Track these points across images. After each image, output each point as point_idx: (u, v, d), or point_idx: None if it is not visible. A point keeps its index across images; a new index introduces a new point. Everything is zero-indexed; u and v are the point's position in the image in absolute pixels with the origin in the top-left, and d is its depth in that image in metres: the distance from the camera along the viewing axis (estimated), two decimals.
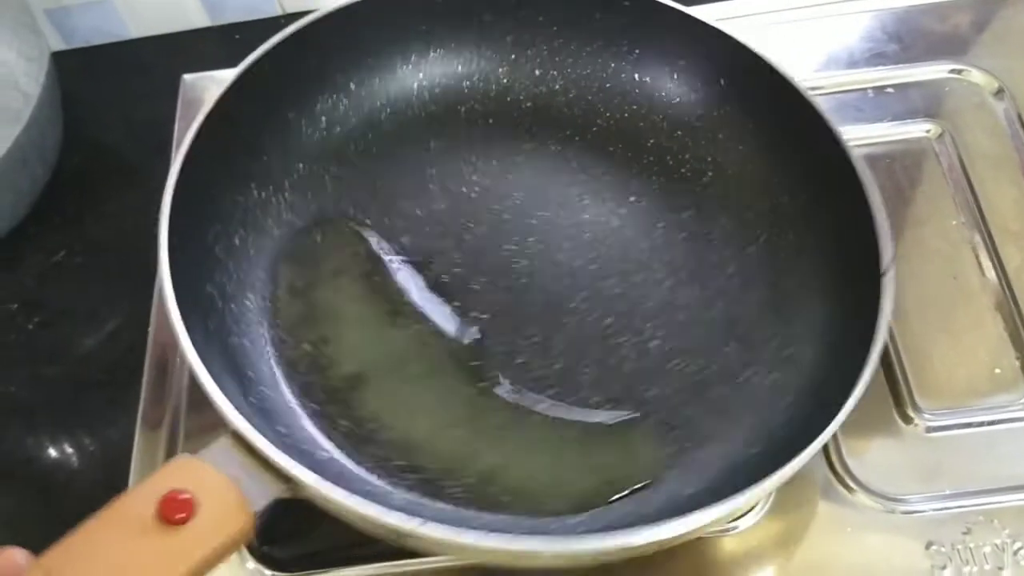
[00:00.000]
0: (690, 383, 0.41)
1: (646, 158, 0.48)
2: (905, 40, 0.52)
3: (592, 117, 0.49)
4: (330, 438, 0.39)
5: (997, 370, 0.42)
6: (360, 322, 0.42)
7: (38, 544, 0.43)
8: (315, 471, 0.32)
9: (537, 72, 0.50)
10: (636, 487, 0.38)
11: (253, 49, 0.58)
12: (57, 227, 0.52)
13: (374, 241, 0.45)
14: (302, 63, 0.45)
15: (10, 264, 0.51)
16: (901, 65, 0.51)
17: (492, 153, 0.48)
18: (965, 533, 0.38)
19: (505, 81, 0.50)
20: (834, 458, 0.40)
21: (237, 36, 0.60)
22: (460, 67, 0.49)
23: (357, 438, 0.39)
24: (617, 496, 0.37)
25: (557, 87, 0.50)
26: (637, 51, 0.48)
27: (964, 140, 0.48)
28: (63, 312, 0.50)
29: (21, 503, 0.45)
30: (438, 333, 0.42)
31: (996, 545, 0.38)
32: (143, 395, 0.44)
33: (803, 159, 0.44)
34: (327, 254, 0.44)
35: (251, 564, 0.39)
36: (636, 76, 0.49)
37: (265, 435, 0.32)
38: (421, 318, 0.42)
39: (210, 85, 0.54)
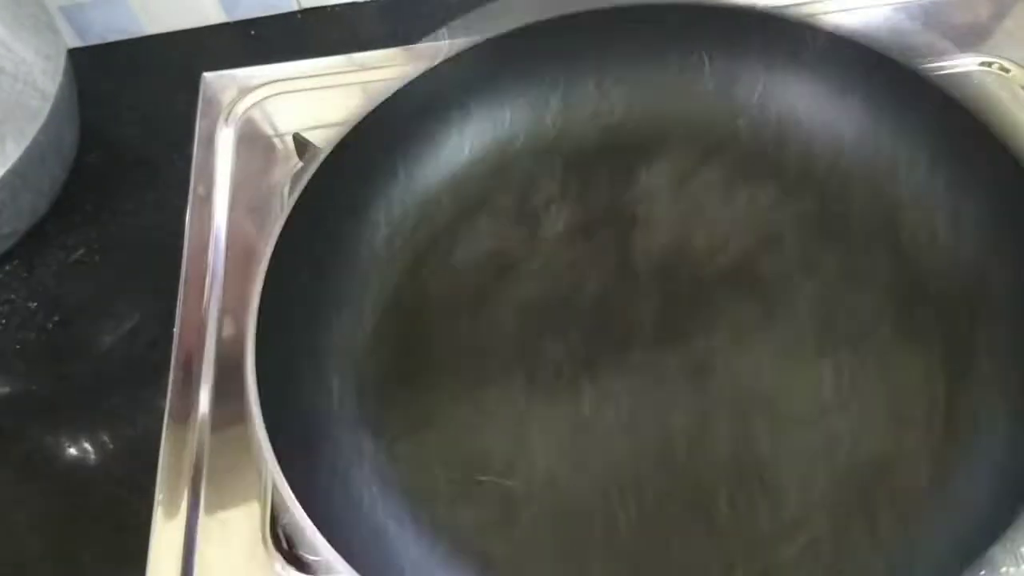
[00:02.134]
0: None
1: (744, 164, 0.44)
2: (934, 33, 0.51)
3: (667, 138, 0.45)
4: None
5: None
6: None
7: (60, 542, 0.43)
8: None
9: (596, 103, 0.46)
10: None
11: (268, 45, 0.59)
12: (75, 225, 0.52)
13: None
14: (347, 168, 0.42)
15: (29, 262, 0.51)
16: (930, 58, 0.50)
17: (568, 205, 0.44)
18: None
19: (561, 124, 0.46)
20: None
21: (252, 32, 0.60)
22: (508, 124, 0.46)
23: None
24: None
25: (620, 116, 0.46)
26: (697, 51, 0.45)
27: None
28: (82, 310, 0.49)
29: (44, 502, 0.44)
30: None
31: None
32: (170, 392, 0.44)
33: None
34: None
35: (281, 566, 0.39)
36: (706, 79, 0.45)
37: None
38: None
39: (229, 83, 0.54)
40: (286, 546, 0.39)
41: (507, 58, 0.45)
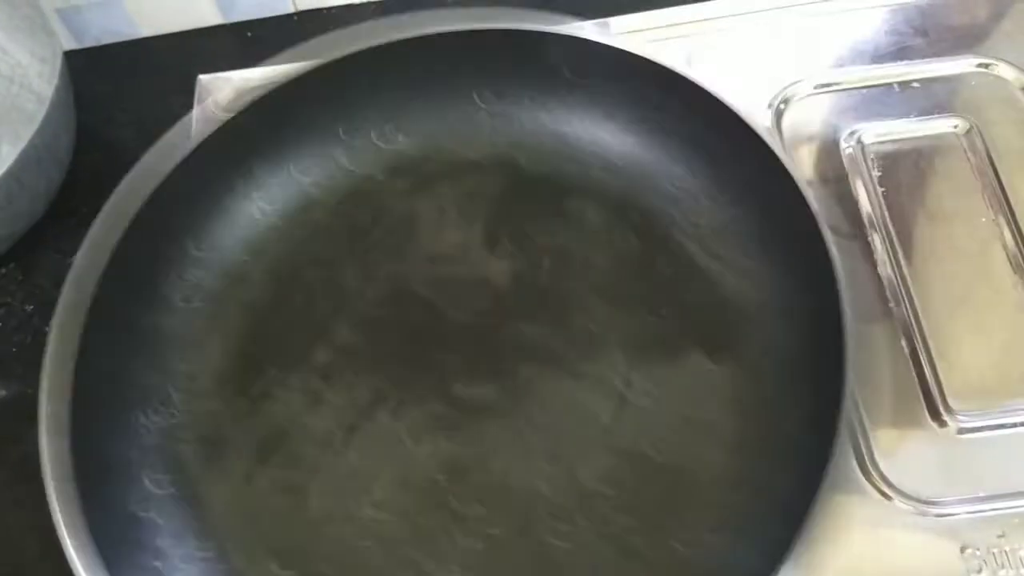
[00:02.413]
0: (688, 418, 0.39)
1: (531, 185, 0.45)
2: (931, 34, 0.51)
3: (459, 165, 0.46)
4: None
5: None
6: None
7: (58, 545, 0.43)
8: None
9: (382, 144, 0.46)
10: None
11: (266, 47, 0.58)
12: (72, 228, 0.52)
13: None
14: (135, 258, 0.41)
15: (26, 266, 0.51)
16: (927, 59, 0.50)
17: (370, 247, 0.45)
18: (1000, 536, 0.37)
19: (349, 166, 0.46)
20: (866, 461, 0.39)
21: (249, 34, 0.59)
22: (298, 176, 0.46)
23: None
24: None
25: (413, 151, 0.46)
26: (479, 85, 0.46)
27: (992, 135, 0.47)
28: None
29: (42, 502, 0.44)
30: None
31: None
32: None
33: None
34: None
35: None
36: (486, 109, 0.46)
37: None
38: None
39: (224, 86, 0.53)
40: None
41: (286, 111, 0.45)
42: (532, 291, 0.43)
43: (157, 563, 0.36)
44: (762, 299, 0.41)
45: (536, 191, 0.45)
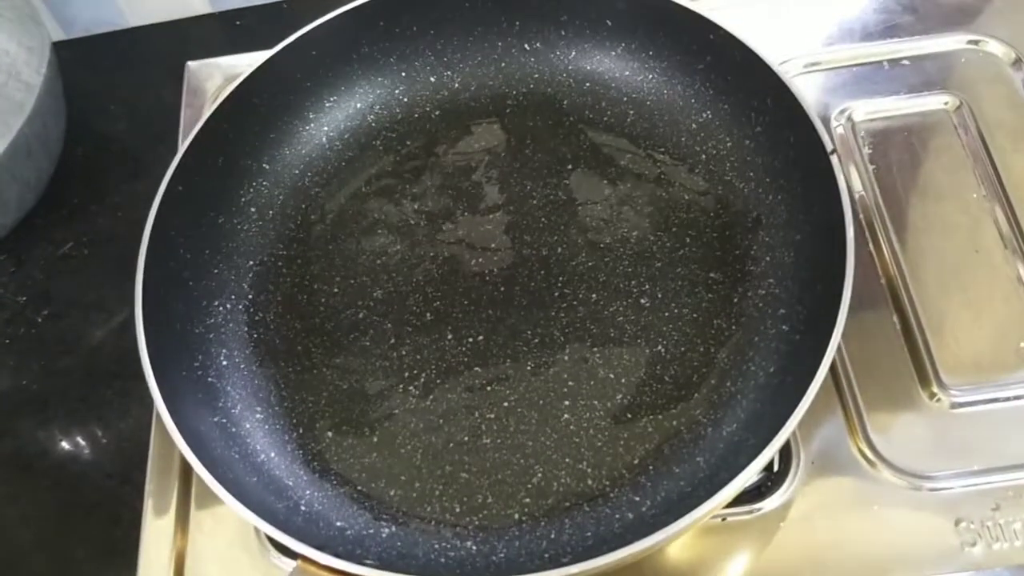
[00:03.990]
0: (692, 320, 0.42)
1: (566, 120, 0.48)
2: (920, 11, 0.51)
3: (501, 100, 0.49)
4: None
5: (1022, 344, 0.41)
6: (375, 397, 0.42)
7: (53, 536, 0.43)
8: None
9: (432, 79, 0.50)
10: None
11: (254, 35, 0.58)
12: (63, 219, 0.52)
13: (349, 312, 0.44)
14: (211, 166, 0.44)
15: (17, 257, 0.51)
16: (916, 37, 0.50)
17: (421, 173, 0.48)
18: (994, 509, 0.38)
19: (406, 100, 0.49)
20: (859, 436, 0.40)
21: (238, 22, 0.59)
22: (358, 104, 0.49)
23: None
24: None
25: (457, 85, 0.50)
26: (517, 23, 0.48)
27: (982, 111, 0.47)
28: (72, 304, 0.49)
29: (36, 495, 0.44)
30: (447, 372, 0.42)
31: None
32: None
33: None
34: (308, 338, 0.44)
35: (274, 556, 0.39)
36: (526, 46, 0.49)
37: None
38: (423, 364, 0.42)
39: (214, 72, 0.53)
40: None
41: (348, 39, 0.48)
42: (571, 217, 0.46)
43: (223, 420, 0.40)
44: (774, 218, 0.43)
45: (574, 128, 0.48)
